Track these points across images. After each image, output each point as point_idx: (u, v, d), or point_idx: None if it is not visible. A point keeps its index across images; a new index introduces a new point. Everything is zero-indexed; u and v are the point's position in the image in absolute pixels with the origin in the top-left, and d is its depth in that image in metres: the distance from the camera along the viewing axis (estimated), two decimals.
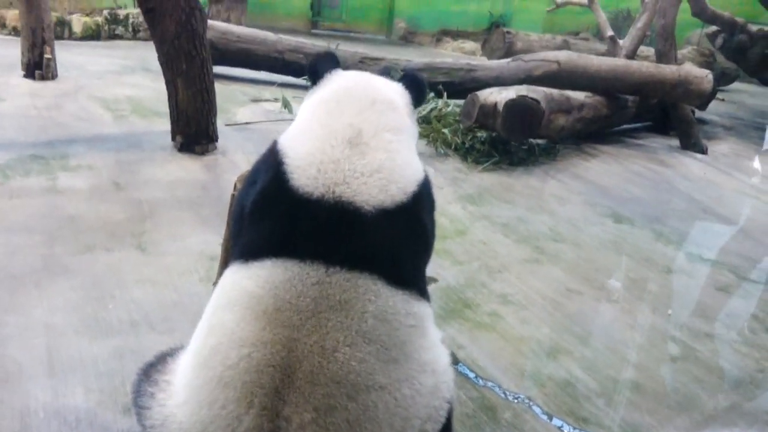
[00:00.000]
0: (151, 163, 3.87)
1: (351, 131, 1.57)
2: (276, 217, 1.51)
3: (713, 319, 2.78)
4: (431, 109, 5.16)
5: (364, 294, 1.39)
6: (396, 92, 1.72)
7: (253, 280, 1.43)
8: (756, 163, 5.92)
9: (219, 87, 4.41)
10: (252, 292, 1.42)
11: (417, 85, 1.76)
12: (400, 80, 1.77)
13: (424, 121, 5.05)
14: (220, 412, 1.39)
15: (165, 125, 4.30)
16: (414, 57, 6.69)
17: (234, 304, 1.44)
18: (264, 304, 1.39)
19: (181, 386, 1.54)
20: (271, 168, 1.58)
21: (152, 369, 1.70)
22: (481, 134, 4.85)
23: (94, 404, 1.86)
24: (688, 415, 2.11)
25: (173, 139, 4.09)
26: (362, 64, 6.27)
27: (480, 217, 3.65)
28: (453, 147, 4.78)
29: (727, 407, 2.17)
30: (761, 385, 2.32)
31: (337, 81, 1.71)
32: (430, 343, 1.53)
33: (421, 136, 4.92)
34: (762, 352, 2.55)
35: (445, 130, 4.83)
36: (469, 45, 12.98)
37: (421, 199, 1.58)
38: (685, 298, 2.98)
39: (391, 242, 1.48)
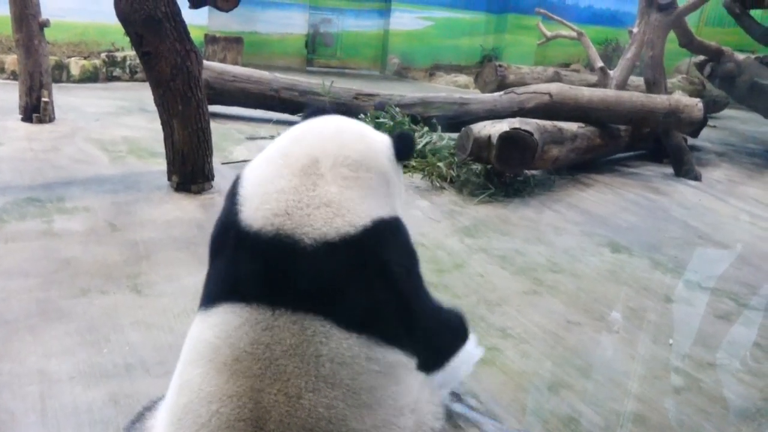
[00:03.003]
0: (147, 203, 3.88)
1: (307, 160, 1.50)
2: (225, 256, 1.48)
3: (715, 348, 2.76)
4: (426, 143, 5.20)
5: (313, 336, 1.35)
6: (379, 140, 1.67)
7: (211, 330, 1.43)
8: (750, 189, 5.94)
9: (215, 126, 4.45)
10: (211, 344, 1.41)
11: (405, 139, 1.71)
12: (391, 136, 1.72)
13: (419, 155, 5.08)
14: None
15: (161, 165, 4.32)
16: (407, 92, 6.76)
17: (199, 358, 1.44)
18: (223, 355, 1.39)
19: None
20: (227, 199, 1.55)
21: (132, 427, 1.71)
22: (476, 167, 4.88)
23: None
24: None
25: (169, 179, 4.11)
26: (356, 99, 6.35)
27: (477, 250, 3.65)
28: (448, 180, 4.81)
29: None
30: (764, 412, 2.29)
31: (316, 119, 1.66)
32: (407, 389, 1.47)
33: (417, 169, 4.96)
34: (766, 380, 2.52)
35: (440, 164, 4.86)
36: (462, 79, 13.17)
37: (379, 237, 1.47)
38: (685, 327, 2.96)
39: (336, 279, 1.41)
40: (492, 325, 2.77)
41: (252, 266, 1.44)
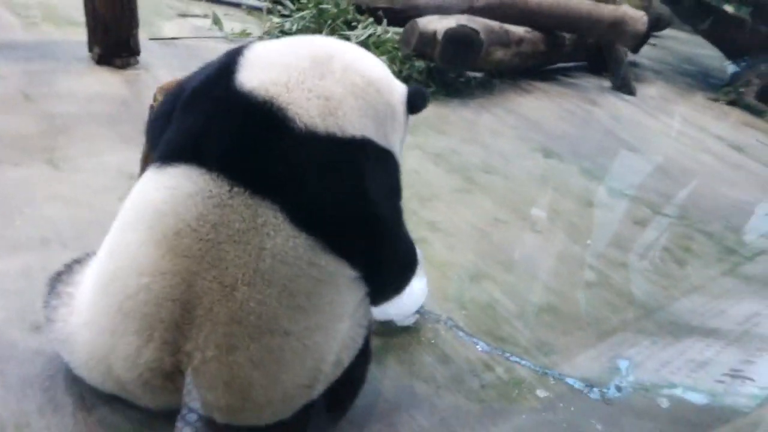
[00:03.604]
0: (66, 75, 3.58)
1: (322, 53, 1.45)
2: (201, 112, 1.39)
3: (628, 250, 2.93)
4: (369, 35, 5.00)
5: (263, 227, 1.28)
6: (398, 84, 1.61)
7: (160, 192, 1.34)
8: (680, 107, 6.15)
9: None
10: (157, 208, 1.34)
11: (420, 95, 1.65)
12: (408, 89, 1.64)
13: (362, 46, 4.89)
14: (120, 342, 1.34)
15: (81, 35, 3.96)
16: None
17: (138, 221, 1.37)
18: (165, 224, 1.31)
19: (85, 304, 1.47)
20: (222, 60, 1.47)
21: (58, 280, 1.63)
22: (420, 64, 4.76)
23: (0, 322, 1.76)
24: (597, 334, 2.23)
25: (90, 50, 3.79)
26: None
27: (414, 147, 3.63)
28: None
29: (633, 326, 2.32)
30: (665, 307, 2.48)
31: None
32: (346, 300, 1.42)
33: None
34: (669, 279, 2.71)
35: (383, 58, 4.71)
36: None
37: (363, 155, 1.41)
38: (604, 229, 3.12)
39: (307, 174, 1.34)
40: (422, 219, 2.81)
41: (227, 126, 1.34)
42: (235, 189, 1.29)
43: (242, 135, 1.34)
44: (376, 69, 1.54)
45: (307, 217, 1.32)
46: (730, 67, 6.59)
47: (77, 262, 1.69)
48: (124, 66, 3.76)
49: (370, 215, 1.42)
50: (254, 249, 1.28)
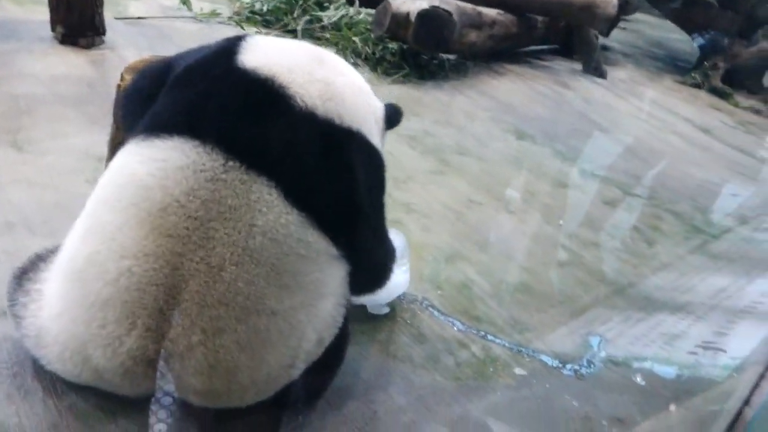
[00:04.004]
0: (29, 55, 3.46)
1: (317, 51, 1.53)
2: (198, 87, 1.37)
3: (599, 230, 2.97)
4: (342, 16, 4.95)
5: (256, 203, 1.26)
6: (378, 101, 1.66)
7: (146, 165, 1.28)
8: (649, 90, 6.24)
9: None
10: (142, 182, 1.27)
11: (396, 111, 1.70)
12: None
13: (334, 27, 4.85)
14: (99, 332, 1.28)
15: (44, 15, 3.83)
16: None
17: (119, 198, 1.30)
18: (151, 200, 1.25)
19: (55, 296, 1.40)
20: (221, 44, 1.48)
21: (23, 276, 1.57)
22: (393, 45, 4.73)
23: None
24: (570, 312, 2.27)
25: (53, 29, 3.67)
26: None
27: None
28: (363, 57, 4.64)
29: (605, 303, 2.36)
30: (636, 284, 2.53)
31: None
32: (330, 278, 1.43)
33: (331, 43, 4.74)
34: (639, 258, 2.77)
35: (356, 39, 4.66)
36: None
37: (358, 145, 1.44)
38: (575, 210, 3.16)
39: (305, 153, 1.34)
40: (397, 201, 2.80)
41: (227, 100, 1.33)
42: (230, 163, 1.27)
43: (242, 109, 1.32)
44: (362, 79, 1.62)
45: (301, 194, 1.31)
46: (697, 40, 6.69)
47: (41, 259, 1.62)
48: (89, 46, 3.66)
49: (358, 200, 1.44)
50: (244, 226, 1.26)
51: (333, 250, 1.40)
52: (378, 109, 1.63)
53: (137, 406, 1.44)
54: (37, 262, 1.62)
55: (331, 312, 1.45)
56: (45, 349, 1.43)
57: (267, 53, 1.42)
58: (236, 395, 1.36)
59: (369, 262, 1.59)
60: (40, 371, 1.53)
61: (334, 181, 1.38)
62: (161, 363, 1.29)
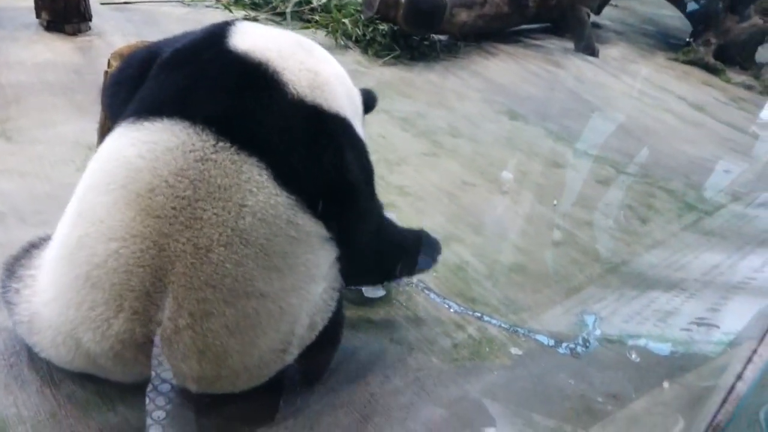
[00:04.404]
0: (14, 43, 3.41)
1: (304, 41, 1.56)
2: (187, 69, 1.38)
3: (593, 209, 2.98)
4: None
5: (246, 183, 1.27)
6: (356, 92, 1.71)
7: (135, 147, 1.28)
8: (642, 68, 6.21)
9: None
10: (131, 164, 1.27)
11: (371, 96, 1.78)
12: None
13: (323, 9, 4.79)
14: (88, 314, 1.29)
15: (28, 1, 3.77)
16: None
17: (109, 181, 1.30)
18: (140, 181, 1.26)
19: (48, 282, 1.41)
20: (209, 29, 1.50)
21: (16, 263, 1.56)
22: (383, 27, 4.68)
23: None
24: (564, 291, 2.28)
25: (38, 16, 3.61)
26: None
27: (379, 111, 3.57)
28: (354, 39, 4.60)
29: (599, 282, 2.37)
30: (630, 263, 2.55)
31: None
32: (321, 259, 1.43)
33: (321, 25, 4.69)
34: (633, 236, 2.78)
35: (346, 21, 4.61)
36: None
37: (345, 132, 1.48)
38: (569, 189, 3.16)
39: (295, 135, 1.36)
40: (390, 184, 2.80)
41: (219, 82, 1.34)
42: (221, 143, 1.28)
43: (235, 91, 1.33)
44: (342, 68, 1.65)
45: (290, 176, 1.32)
46: (691, 4, 6.64)
47: (34, 246, 1.62)
48: (75, 32, 3.61)
49: (346, 182, 1.46)
50: (234, 206, 1.26)
51: (324, 233, 1.41)
52: (356, 95, 1.67)
53: (136, 392, 1.45)
54: (30, 249, 1.62)
55: (323, 295, 1.45)
56: (38, 336, 1.44)
57: (257, 39, 1.44)
58: (228, 381, 1.37)
59: (364, 249, 1.59)
60: (36, 361, 1.53)
61: (322, 164, 1.39)
62: (152, 347, 1.29)
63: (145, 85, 1.42)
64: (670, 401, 1.87)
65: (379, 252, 1.67)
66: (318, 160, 1.38)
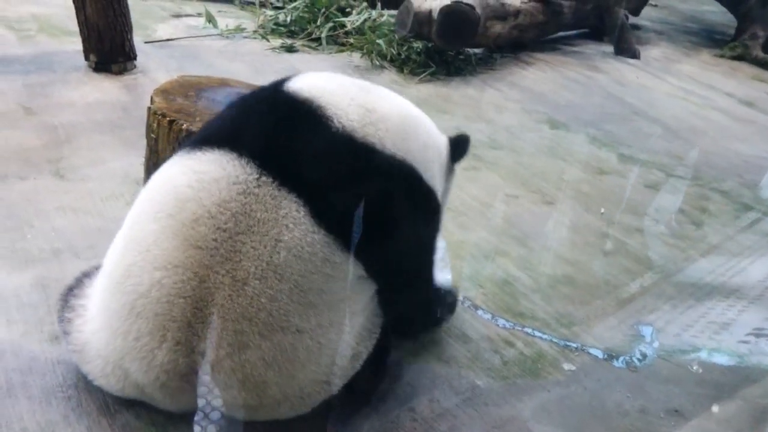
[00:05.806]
0: (64, 85, 3.58)
1: (365, 84, 1.55)
2: (245, 107, 1.46)
3: (643, 215, 2.88)
4: (365, 20, 4.95)
5: (284, 218, 1.27)
6: (441, 135, 1.66)
7: (186, 175, 1.32)
8: (686, 67, 6.03)
9: (134, 2, 4.06)
10: (179, 193, 1.31)
11: (462, 142, 1.69)
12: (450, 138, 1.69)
13: (357, 32, 4.85)
14: (134, 344, 1.32)
15: (77, 45, 3.96)
16: None
17: (159, 209, 1.33)
18: (186, 211, 1.28)
19: (97, 311, 1.46)
20: (273, 83, 1.54)
21: (70, 293, 1.62)
22: (417, 45, 4.71)
23: (18, 335, 1.77)
24: (616, 302, 2.20)
25: (87, 58, 3.78)
26: None
27: None
28: (389, 59, 4.64)
29: (652, 291, 2.28)
30: (684, 270, 2.44)
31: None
32: (358, 296, 1.42)
33: (355, 48, 4.74)
34: (687, 241, 2.67)
35: (380, 41, 4.66)
36: None
37: (401, 175, 1.42)
38: (616, 196, 3.07)
39: (336, 173, 1.35)
40: None
41: (266, 117, 1.39)
42: (264, 178, 1.29)
43: (278, 126, 1.36)
44: (419, 111, 1.60)
45: (329, 215, 1.31)
46: None
47: (87, 276, 1.67)
48: (121, 71, 3.76)
49: (391, 231, 1.42)
50: (270, 241, 1.26)
51: (362, 271, 1.39)
52: (440, 141, 1.60)
53: (187, 421, 1.46)
54: (83, 279, 1.68)
55: (366, 326, 1.44)
56: (89, 364, 1.48)
57: (313, 80, 1.46)
58: (270, 409, 1.37)
59: (407, 302, 1.59)
60: (92, 391, 1.57)
61: (367, 207, 1.36)
62: (196, 378, 1.31)
63: (211, 120, 1.51)
64: (735, 416, 1.77)
65: (423, 306, 1.70)
66: (361, 201, 1.35)
